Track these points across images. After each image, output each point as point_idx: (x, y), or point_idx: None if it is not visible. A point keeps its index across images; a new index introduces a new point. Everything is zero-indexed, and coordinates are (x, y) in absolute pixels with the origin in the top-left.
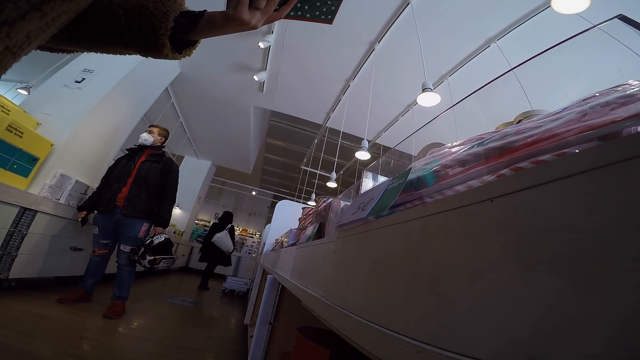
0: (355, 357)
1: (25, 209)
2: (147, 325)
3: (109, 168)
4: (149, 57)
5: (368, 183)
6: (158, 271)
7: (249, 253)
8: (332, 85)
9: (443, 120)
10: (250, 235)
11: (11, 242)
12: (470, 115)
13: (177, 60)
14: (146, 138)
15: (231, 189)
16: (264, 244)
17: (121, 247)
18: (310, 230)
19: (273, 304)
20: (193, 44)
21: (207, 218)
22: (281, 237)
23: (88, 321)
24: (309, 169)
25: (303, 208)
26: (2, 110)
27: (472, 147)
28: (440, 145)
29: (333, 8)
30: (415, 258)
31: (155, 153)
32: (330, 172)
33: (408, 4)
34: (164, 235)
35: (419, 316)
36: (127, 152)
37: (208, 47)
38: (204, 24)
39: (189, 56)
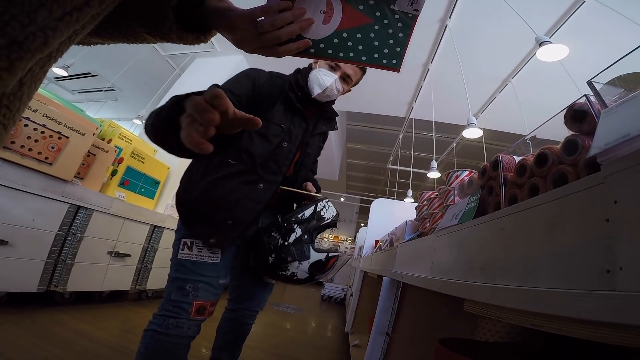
0: None
1: (155, 226)
2: (256, 333)
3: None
4: (158, 42)
5: None
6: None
7: None
8: (408, 73)
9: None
10: (342, 241)
11: (147, 257)
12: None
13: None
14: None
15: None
16: (360, 247)
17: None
18: (460, 207)
19: (391, 311)
20: (207, 29)
21: None
22: (388, 235)
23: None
24: (397, 167)
25: (421, 193)
26: (125, 140)
27: None
28: None
29: (398, 49)
30: None
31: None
32: (417, 167)
33: None
34: None
35: None
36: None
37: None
38: (207, 7)
39: (204, 43)
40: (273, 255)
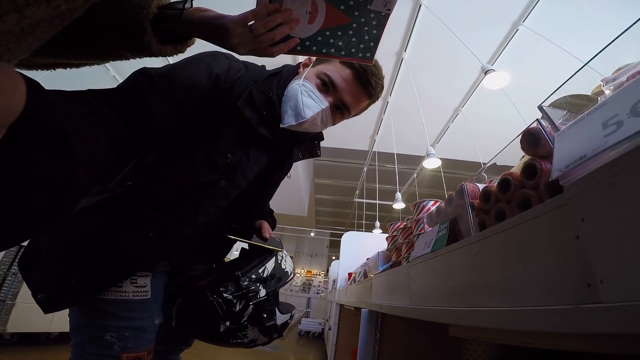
0: None
1: None
2: None
3: None
4: (136, 56)
5: None
6: None
7: (317, 293)
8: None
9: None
10: (315, 275)
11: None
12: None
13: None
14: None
15: (291, 234)
16: (333, 281)
17: None
18: (431, 235)
19: (374, 342)
20: (184, 39)
21: None
22: (361, 266)
23: None
24: (364, 200)
25: (390, 224)
26: None
27: None
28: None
29: (372, 44)
30: None
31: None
32: (383, 199)
33: (420, 5)
34: None
35: None
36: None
37: None
38: (193, 18)
39: (182, 52)
40: (228, 323)
